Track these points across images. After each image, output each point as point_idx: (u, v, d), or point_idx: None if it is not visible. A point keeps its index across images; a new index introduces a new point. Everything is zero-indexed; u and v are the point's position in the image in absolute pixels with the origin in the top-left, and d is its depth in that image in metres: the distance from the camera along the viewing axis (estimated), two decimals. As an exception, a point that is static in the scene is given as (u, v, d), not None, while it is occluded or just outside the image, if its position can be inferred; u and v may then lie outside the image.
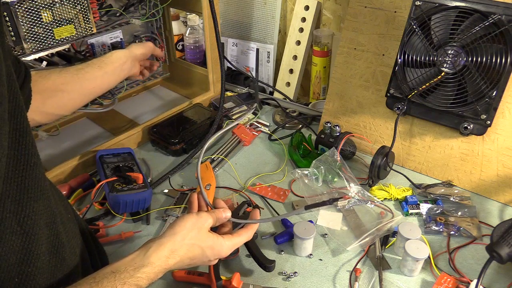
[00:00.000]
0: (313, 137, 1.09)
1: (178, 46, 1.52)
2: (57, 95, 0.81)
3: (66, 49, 1.03)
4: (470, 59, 0.85)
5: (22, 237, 0.44)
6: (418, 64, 0.92)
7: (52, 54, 1.01)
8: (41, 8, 0.87)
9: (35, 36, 0.89)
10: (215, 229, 0.69)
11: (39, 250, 0.46)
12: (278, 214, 0.88)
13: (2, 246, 0.42)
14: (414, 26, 0.91)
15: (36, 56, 0.93)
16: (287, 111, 1.22)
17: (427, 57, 0.90)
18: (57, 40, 0.93)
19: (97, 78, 0.87)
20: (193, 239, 0.61)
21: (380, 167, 0.90)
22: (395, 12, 0.97)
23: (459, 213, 0.85)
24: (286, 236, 0.81)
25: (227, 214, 0.69)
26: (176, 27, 1.46)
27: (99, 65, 0.88)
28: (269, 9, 1.36)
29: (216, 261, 0.67)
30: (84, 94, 0.87)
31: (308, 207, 0.73)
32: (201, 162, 1.01)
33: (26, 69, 0.67)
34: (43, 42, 0.91)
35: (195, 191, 0.85)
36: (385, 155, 0.91)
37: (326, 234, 0.83)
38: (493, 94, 0.84)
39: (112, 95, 1.12)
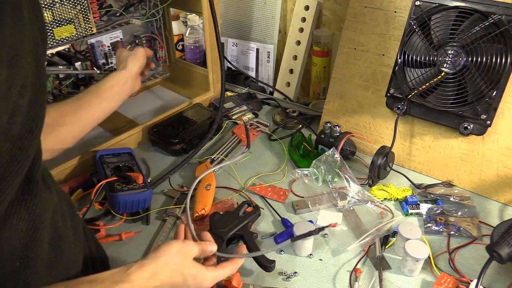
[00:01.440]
0: (313, 137, 1.09)
1: (178, 46, 1.52)
2: (55, 130, 0.78)
3: (66, 49, 1.03)
4: (470, 59, 0.85)
5: (28, 224, 0.45)
6: (418, 64, 0.92)
7: (52, 54, 1.01)
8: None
9: (35, 36, 0.88)
10: (198, 261, 0.67)
11: (42, 239, 0.47)
12: (278, 214, 0.88)
13: (8, 230, 0.43)
14: (414, 26, 0.91)
15: (36, 56, 0.93)
16: (287, 111, 1.22)
17: (427, 57, 0.90)
18: (57, 40, 0.93)
19: (94, 106, 0.84)
20: (176, 265, 0.59)
21: (380, 167, 0.90)
22: (395, 12, 0.97)
23: (459, 213, 0.85)
24: (286, 236, 0.81)
25: (213, 247, 0.67)
26: (176, 27, 1.46)
27: (96, 92, 0.85)
28: (269, 9, 1.36)
29: None
30: (83, 124, 0.84)
31: (294, 239, 0.73)
32: (201, 162, 1.02)
33: None
34: (43, 42, 0.90)
35: (182, 222, 0.84)
36: (385, 155, 0.91)
37: (326, 234, 0.83)
38: (493, 94, 0.84)
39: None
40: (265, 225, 0.86)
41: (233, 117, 1.19)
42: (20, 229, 0.44)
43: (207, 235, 0.70)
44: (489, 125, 0.87)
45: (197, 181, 0.86)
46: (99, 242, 0.71)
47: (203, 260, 0.68)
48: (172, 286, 0.59)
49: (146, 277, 0.55)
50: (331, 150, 0.95)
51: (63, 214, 0.54)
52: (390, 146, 0.93)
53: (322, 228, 0.72)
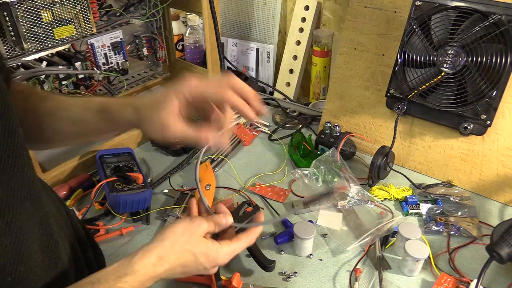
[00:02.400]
0: (313, 137, 1.09)
1: (178, 46, 1.52)
2: (27, 121, 0.59)
3: (66, 49, 1.03)
4: (470, 59, 0.85)
5: (10, 237, 0.43)
6: (418, 64, 0.92)
7: (52, 54, 1.01)
8: (41, 8, 0.87)
9: (35, 36, 0.88)
10: (216, 236, 0.63)
11: (30, 250, 0.45)
12: (278, 214, 0.88)
13: None
14: (414, 26, 0.90)
15: (36, 56, 0.93)
16: (287, 111, 1.22)
17: (427, 57, 0.90)
18: (57, 40, 0.92)
19: (80, 121, 0.62)
20: (184, 245, 0.55)
21: (380, 167, 0.90)
22: (395, 12, 0.97)
23: (459, 213, 0.85)
24: (286, 236, 0.81)
25: (228, 219, 0.62)
26: (176, 27, 1.45)
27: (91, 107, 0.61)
28: (269, 9, 1.36)
29: (215, 269, 0.60)
30: (60, 133, 0.63)
31: (307, 203, 0.68)
32: (201, 162, 1.02)
33: (8, 70, 0.58)
34: (43, 42, 0.90)
35: (194, 197, 0.79)
36: (385, 155, 0.91)
37: (326, 234, 0.83)
38: (493, 94, 0.84)
39: (112, 95, 1.12)
40: (265, 225, 0.86)
41: (233, 117, 1.19)
42: (3, 243, 0.42)
43: (222, 207, 0.65)
44: (489, 125, 0.87)
45: (203, 150, 0.64)
46: (95, 242, 0.70)
47: (220, 233, 0.63)
48: (184, 266, 0.55)
49: (152, 263, 0.52)
50: (331, 150, 0.95)
51: (56, 217, 0.53)
52: (390, 146, 0.93)
53: (332, 192, 0.68)
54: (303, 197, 0.91)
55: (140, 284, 0.50)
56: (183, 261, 0.55)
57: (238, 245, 0.61)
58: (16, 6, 0.84)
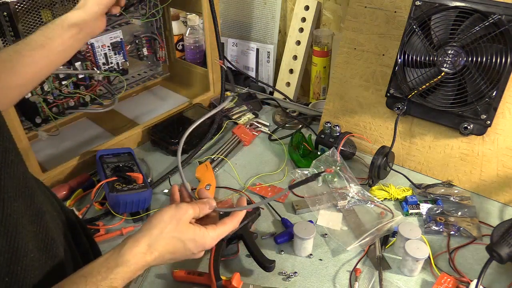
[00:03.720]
0: (313, 137, 1.09)
1: (178, 46, 1.52)
2: None
3: (66, 49, 1.03)
4: (470, 59, 0.85)
5: (6, 236, 0.43)
6: (418, 64, 0.92)
7: (52, 54, 1.01)
8: (41, 8, 0.87)
9: (35, 36, 0.88)
10: (200, 220, 0.64)
11: (25, 248, 0.45)
12: (278, 214, 0.88)
13: None
14: (414, 26, 0.90)
15: (36, 56, 0.93)
16: (287, 111, 1.22)
17: (427, 57, 0.90)
18: (57, 40, 0.92)
19: (39, 60, 0.66)
20: (171, 232, 0.56)
21: (380, 167, 0.90)
22: (395, 12, 0.97)
23: (459, 213, 0.85)
24: (286, 236, 0.81)
25: (212, 203, 0.63)
26: (176, 27, 1.46)
27: (42, 41, 0.67)
28: (269, 9, 1.36)
29: (202, 253, 0.62)
30: (22, 84, 0.67)
31: (291, 187, 0.68)
32: (201, 162, 1.02)
33: None
34: (43, 42, 0.90)
35: (177, 184, 0.75)
36: (385, 155, 0.91)
37: (326, 234, 0.83)
38: (493, 94, 0.84)
39: (112, 95, 1.12)
40: (265, 225, 0.86)
41: (233, 117, 1.19)
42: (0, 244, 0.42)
43: (204, 192, 0.67)
44: (489, 125, 0.87)
45: (189, 130, 0.74)
46: (93, 238, 0.70)
47: (204, 218, 0.64)
48: (173, 253, 0.56)
49: (142, 252, 0.53)
50: (331, 150, 0.95)
51: (53, 216, 0.53)
52: (390, 146, 0.93)
53: (319, 174, 0.68)
54: (303, 197, 0.91)
55: (131, 274, 0.51)
56: (172, 248, 0.56)
57: (224, 229, 0.62)
58: (16, 6, 0.84)
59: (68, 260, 0.54)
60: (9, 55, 0.64)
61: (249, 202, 0.82)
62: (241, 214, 0.66)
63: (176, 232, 0.57)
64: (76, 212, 0.86)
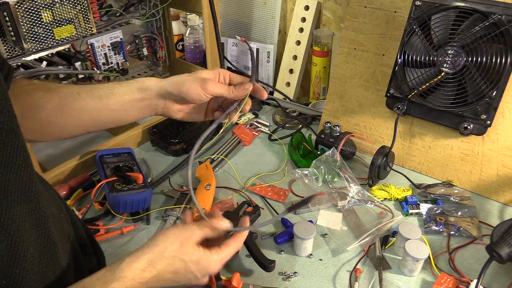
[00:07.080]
0: (313, 137, 1.09)
1: (178, 46, 1.52)
2: (34, 116, 0.60)
3: (66, 49, 1.03)
4: (470, 59, 0.85)
5: (6, 239, 0.43)
6: (418, 64, 0.92)
7: (52, 54, 1.01)
8: (41, 8, 0.87)
9: (35, 36, 0.88)
10: (207, 240, 0.62)
11: (26, 252, 0.45)
12: (278, 214, 0.88)
13: None
14: (414, 26, 0.90)
15: (36, 56, 0.93)
16: (287, 111, 1.22)
17: (427, 57, 0.90)
18: (57, 40, 0.92)
19: (92, 110, 0.62)
20: (174, 252, 0.54)
21: (380, 167, 0.90)
22: (395, 12, 0.97)
23: (459, 213, 0.85)
24: (286, 236, 0.81)
25: (226, 224, 0.61)
26: (176, 27, 1.45)
27: (103, 93, 0.62)
28: (269, 9, 1.36)
29: (206, 278, 0.59)
30: (70, 125, 0.63)
31: (291, 209, 0.69)
32: (200, 162, 1.02)
33: (9, 69, 0.54)
34: (43, 42, 0.91)
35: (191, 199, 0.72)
36: (385, 155, 0.91)
37: (326, 234, 0.83)
38: (493, 94, 0.84)
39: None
40: (264, 226, 0.86)
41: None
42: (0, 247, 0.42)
43: (216, 211, 0.65)
44: (489, 125, 0.87)
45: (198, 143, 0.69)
46: (96, 242, 0.70)
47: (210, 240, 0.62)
48: (174, 273, 0.55)
49: (140, 268, 0.51)
50: (331, 150, 0.95)
51: (55, 217, 0.53)
52: (390, 146, 0.93)
53: (311, 197, 0.67)
54: (303, 197, 0.91)
55: None
56: (173, 268, 0.55)
57: (228, 251, 0.60)
58: (16, 6, 0.84)
59: (70, 266, 0.54)
60: (71, 92, 0.61)
61: (252, 220, 0.81)
62: (245, 233, 0.64)
63: (179, 253, 0.55)
64: (76, 212, 0.86)
